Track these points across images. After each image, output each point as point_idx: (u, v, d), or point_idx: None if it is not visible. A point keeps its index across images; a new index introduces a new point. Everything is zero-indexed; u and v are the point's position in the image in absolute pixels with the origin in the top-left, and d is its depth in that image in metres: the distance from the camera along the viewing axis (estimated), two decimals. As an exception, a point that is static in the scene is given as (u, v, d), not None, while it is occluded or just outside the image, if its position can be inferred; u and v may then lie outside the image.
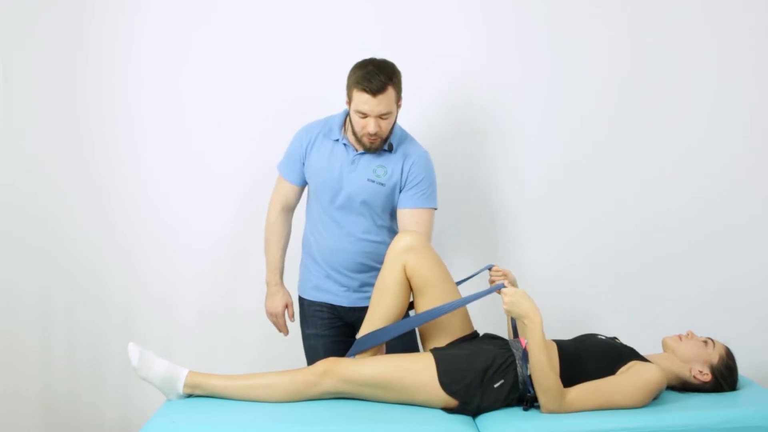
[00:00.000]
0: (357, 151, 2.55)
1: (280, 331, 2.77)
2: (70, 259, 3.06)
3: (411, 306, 2.50)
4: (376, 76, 2.39)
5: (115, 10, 3.01)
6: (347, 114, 2.57)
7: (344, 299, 2.62)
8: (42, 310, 3.08)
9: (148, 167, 3.06)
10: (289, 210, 2.72)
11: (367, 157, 2.55)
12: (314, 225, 2.65)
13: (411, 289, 2.44)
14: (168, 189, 3.06)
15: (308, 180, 2.64)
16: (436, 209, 2.59)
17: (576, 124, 3.01)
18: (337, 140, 2.58)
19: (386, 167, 2.55)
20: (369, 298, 2.48)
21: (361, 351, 2.36)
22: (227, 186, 3.06)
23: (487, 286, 2.47)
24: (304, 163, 2.63)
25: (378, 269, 2.51)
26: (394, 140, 2.56)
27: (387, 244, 2.49)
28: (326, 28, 3.01)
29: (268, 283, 2.73)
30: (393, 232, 2.64)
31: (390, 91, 2.41)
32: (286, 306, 2.73)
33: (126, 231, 3.07)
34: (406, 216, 2.56)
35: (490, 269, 2.50)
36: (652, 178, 3.01)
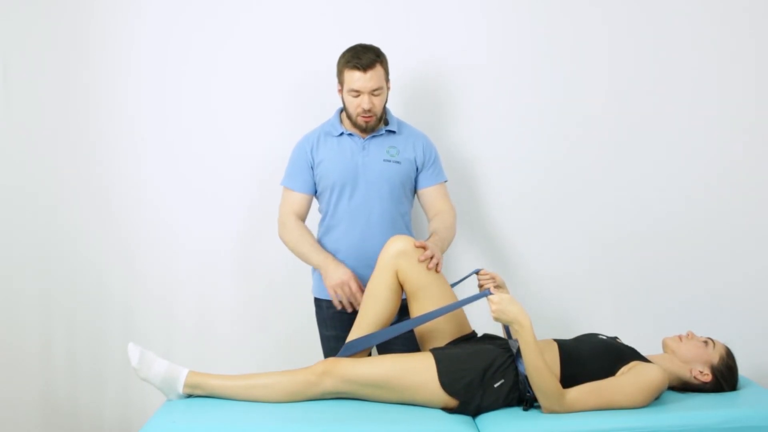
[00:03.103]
0: (363, 137, 2.63)
1: (353, 303, 2.54)
2: (70, 259, 3.06)
3: (405, 309, 2.50)
4: (365, 53, 2.54)
5: (115, 11, 3.01)
6: (341, 110, 2.67)
7: None
8: (42, 310, 3.08)
9: (149, 168, 3.05)
10: (302, 219, 2.73)
11: (376, 141, 2.65)
12: (336, 224, 2.66)
13: (403, 294, 2.45)
14: (168, 189, 3.06)
15: (321, 180, 2.66)
16: (446, 180, 2.76)
17: (576, 124, 3.01)
18: (342, 134, 2.66)
19: (397, 147, 2.66)
20: None
21: (350, 355, 2.35)
22: (227, 186, 3.05)
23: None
24: (312, 167, 2.67)
25: None
26: (393, 125, 2.68)
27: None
28: (326, 27, 3.00)
29: (323, 265, 2.58)
30: (409, 225, 2.73)
31: (379, 68, 2.54)
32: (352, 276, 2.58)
33: (126, 231, 3.06)
34: (431, 194, 2.70)
35: (477, 273, 2.50)
36: (653, 179, 3.01)
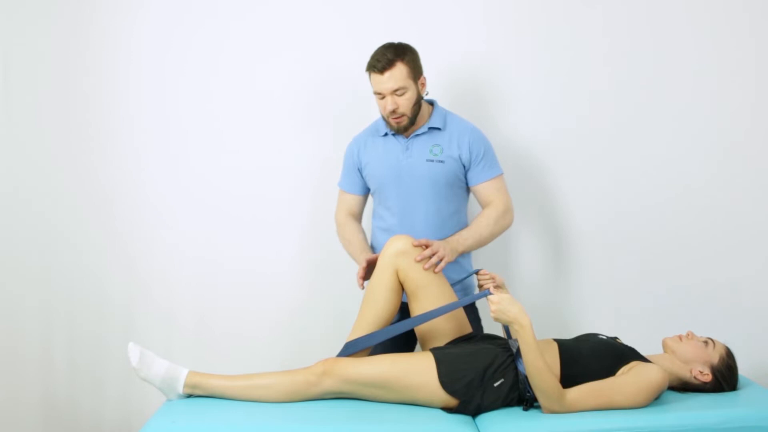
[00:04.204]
0: (407, 137, 2.60)
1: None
2: (70, 260, 3.06)
3: (405, 310, 2.50)
4: (383, 54, 2.49)
5: (115, 11, 3.00)
6: None
7: None
8: (42, 311, 3.08)
9: (149, 170, 3.05)
10: (356, 217, 2.75)
11: (419, 140, 2.60)
12: (385, 225, 2.65)
13: (403, 293, 2.45)
14: (168, 191, 3.06)
15: (370, 182, 2.67)
16: (502, 173, 2.66)
17: (577, 123, 3.00)
18: (386, 134, 2.64)
19: (441, 145, 2.59)
20: None
21: (350, 354, 2.35)
22: (227, 189, 3.05)
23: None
24: (360, 170, 2.69)
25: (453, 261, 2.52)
26: (439, 121, 2.60)
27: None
28: (329, 27, 3.00)
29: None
30: (462, 223, 2.65)
31: (399, 67, 2.48)
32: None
33: (126, 233, 3.06)
34: (483, 190, 2.62)
35: (477, 273, 2.50)
36: (654, 178, 3.01)
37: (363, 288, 2.53)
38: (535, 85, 3.00)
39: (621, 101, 2.99)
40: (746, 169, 3.00)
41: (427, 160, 2.57)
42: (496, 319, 2.18)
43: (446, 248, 2.45)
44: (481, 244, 2.60)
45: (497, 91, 3.01)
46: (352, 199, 2.74)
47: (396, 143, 2.62)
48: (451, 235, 2.57)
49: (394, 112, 2.51)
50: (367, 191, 2.74)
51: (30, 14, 3.00)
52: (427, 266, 2.40)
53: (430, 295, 2.40)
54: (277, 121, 3.03)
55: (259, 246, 3.05)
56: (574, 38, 2.98)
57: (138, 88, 3.03)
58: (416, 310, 2.42)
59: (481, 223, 2.58)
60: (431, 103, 2.66)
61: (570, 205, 3.03)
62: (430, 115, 2.62)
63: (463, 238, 2.54)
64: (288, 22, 3.01)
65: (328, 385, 2.23)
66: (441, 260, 2.42)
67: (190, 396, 2.28)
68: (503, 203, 2.62)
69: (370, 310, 2.41)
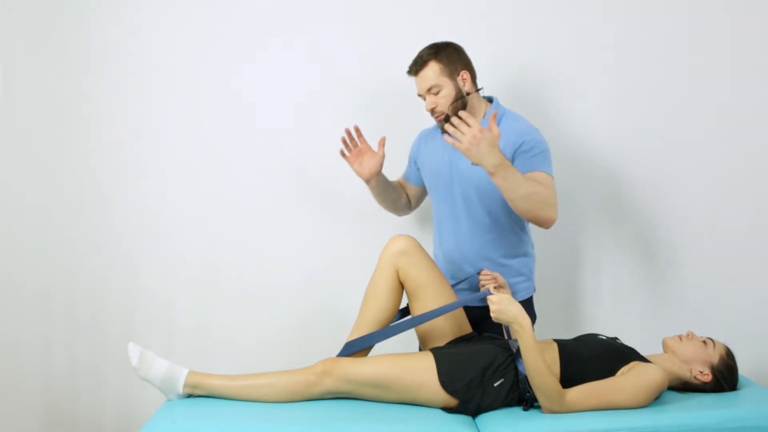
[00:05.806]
0: None
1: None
2: (70, 258, 3.06)
3: (406, 310, 2.51)
4: (418, 56, 2.50)
5: (115, 12, 3.00)
6: None
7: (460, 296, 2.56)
8: (42, 309, 3.07)
9: (148, 168, 3.05)
10: (413, 203, 2.81)
11: None
12: (437, 224, 2.65)
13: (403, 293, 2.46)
14: (168, 189, 3.05)
15: (425, 180, 2.67)
16: (552, 177, 2.45)
17: (583, 122, 3.00)
18: (444, 132, 2.55)
19: None
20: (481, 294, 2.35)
21: (350, 354, 2.35)
22: (227, 185, 3.05)
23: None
24: (416, 163, 2.69)
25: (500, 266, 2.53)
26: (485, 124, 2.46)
27: (512, 250, 2.56)
28: (344, 28, 3.01)
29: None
30: (515, 246, 2.58)
31: (432, 65, 2.46)
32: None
33: (126, 232, 3.06)
34: None
35: (479, 273, 2.50)
36: (653, 177, 3.01)
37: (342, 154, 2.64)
38: (530, 76, 3.00)
39: (623, 105, 2.99)
40: (745, 168, 2.99)
41: (472, 164, 2.37)
42: (496, 319, 2.18)
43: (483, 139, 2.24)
44: (510, 194, 2.32)
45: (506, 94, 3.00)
46: (410, 189, 2.78)
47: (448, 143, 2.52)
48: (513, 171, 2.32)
49: (433, 110, 2.50)
50: (419, 183, 2.74)
51: (29, 16, 2.99)
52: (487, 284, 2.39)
53: (430, 295, 2.40)
54: (276, 123, 3.03)
55: (259, 246, 3.05)
56: (584, 52, 2.99)
57: (139, 89, 3.03)
58: (416, 310, 2.42)
59: (530, 181, 2.34)
60: (490, 100, 2.58)
61: (570, 205, 3.03)
62: (485, 114, 2.53)
63: (513, 170, 2.30)
64: (305, 23, 3.00)
65: (328, 384, 2.23)
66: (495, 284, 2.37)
67: (190, 396, 2.29)
68: (552, 195, 2.39)
69: (370, 310, 2.41)
